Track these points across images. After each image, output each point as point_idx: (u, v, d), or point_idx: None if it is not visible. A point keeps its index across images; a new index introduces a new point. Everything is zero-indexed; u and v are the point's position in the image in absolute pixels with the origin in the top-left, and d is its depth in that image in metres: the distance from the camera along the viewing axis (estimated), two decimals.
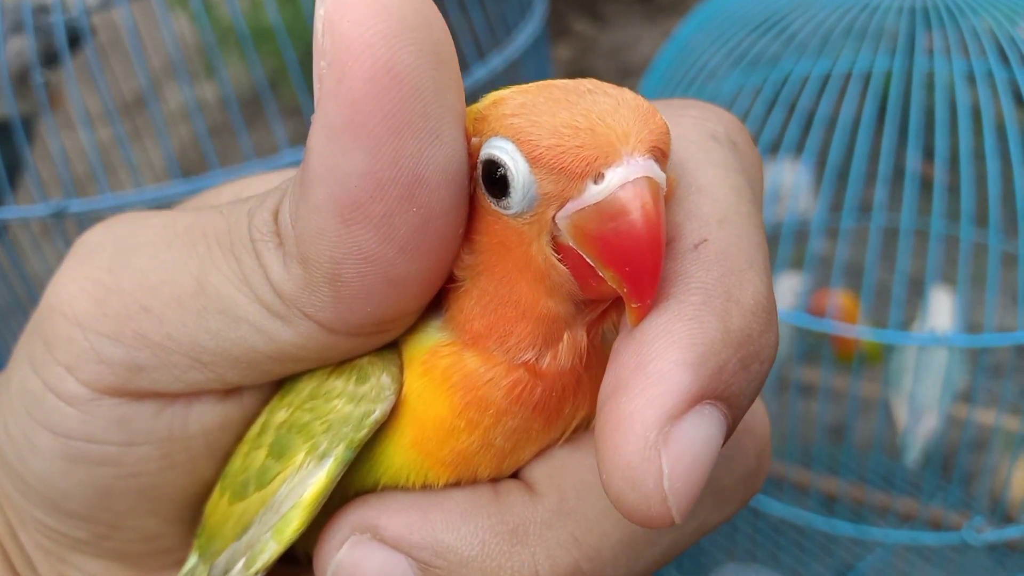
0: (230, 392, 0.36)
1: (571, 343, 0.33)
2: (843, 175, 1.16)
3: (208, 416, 0.36)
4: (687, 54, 1.23)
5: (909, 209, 1.15)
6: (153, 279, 0.34)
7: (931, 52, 1.15)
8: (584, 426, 0.35)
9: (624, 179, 0.28)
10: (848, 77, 1.16)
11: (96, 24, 1.38)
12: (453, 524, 0.33)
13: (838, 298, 1.41)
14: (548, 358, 0.33)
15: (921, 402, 1.42)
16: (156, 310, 0.33)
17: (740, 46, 1.19)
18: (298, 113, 1.10)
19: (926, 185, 1.25)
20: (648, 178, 0.29)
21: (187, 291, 0.33)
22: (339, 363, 0.35)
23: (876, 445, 1.56)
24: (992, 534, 1.18)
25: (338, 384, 0.34)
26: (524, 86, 0.32)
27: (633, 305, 0.29)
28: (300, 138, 1.05)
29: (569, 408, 0.34)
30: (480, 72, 1.14)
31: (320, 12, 0.28)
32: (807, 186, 1.56)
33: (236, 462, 0.37)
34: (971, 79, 1.12)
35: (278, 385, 0.37)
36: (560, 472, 0.35)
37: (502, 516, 0.33)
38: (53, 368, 0.35)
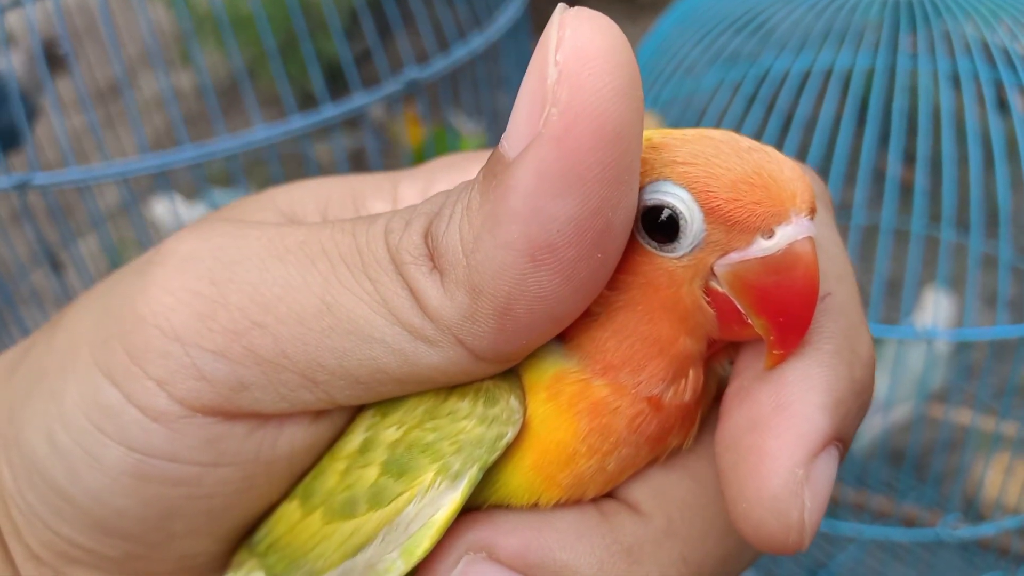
0: (323, 412, 0.35)
1: (694, 380, 0.34)
2: (823, 174, 1.16)
3: (298, 437, 0.35)
4: (665, 49, 1.23)
5: (889, 209, 1.15)
6: (266, 294, 0.33)
7: (915, 53, 1.15)
8: (674, 451, 0.37)
9: (793, 237, 0.31)
10: (829, 74, 1.16)
11: (71, 8, 1.36)
12: (569, 543, 0.34)
13: None
14: (671, 393, 0.34)
15: (893, 397, 1.42)
16: (271, 326, 0.32)
17: (718, 41, 1.19)
18: (276, 102, 1.09)
19: (906, 188, 1.25)
20: (811, 238, 0.31)
21: (309, 309, 0.32)
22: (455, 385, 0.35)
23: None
24: (966, 531, 1.18)
25: (463, 405, 0.34)
26: (680, 132, 0.33)
27: (775, 352, 0.32)
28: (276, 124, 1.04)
29: (672, 438, 0.36)
30: (460, 52, 1.15)
31: (557, 57, 0.28)
32: None
33: (330, 480, 0.36)
34: (953, 78, 1.12)
35: (360, 407, 0.36)
36: (662, 494, 0.36)
37: (616, 536, 0.35)
38: (142, 382, 0.33)
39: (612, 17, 0.29)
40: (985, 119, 1.09)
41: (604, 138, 0.28)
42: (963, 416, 1.55)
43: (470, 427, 0.34)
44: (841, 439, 0.32)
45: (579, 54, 0.28)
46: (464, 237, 0.31)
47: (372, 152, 1.15)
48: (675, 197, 0.31)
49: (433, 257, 0.32)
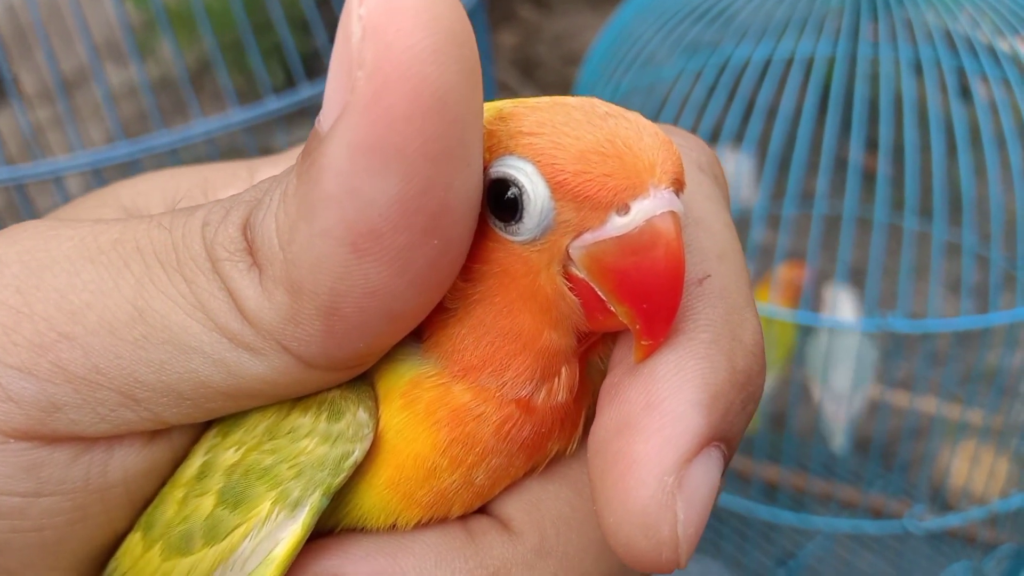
0: (158, 432, 0.32)
1: (567, 377, 0.31)
2: (785, 163, 1.15)
3: (132, 461, 0.31)
4: (626, 38, 1.21)
5: (851, 197, 1.14)
6: (75, 302, 0.29)
7: (876, 41, 1.15)
8: (556, 456, 0.34)
9: (651, 213, 0.28)
10: (790, 63, 1.15)
11: (15, 5, 1.33)
12: (427, 570, 0.31)
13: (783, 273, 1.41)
14: (543, 393, 0.31)
15: (838, 387, 1.42)
16: (80, 338, 0.29)
17: (679, 29, 1.18)
18: (244, 94, 1.06)
19: (868, 176, 1.25)
20: (673, 212, 0.28)
21: (121, 317, 0.29)
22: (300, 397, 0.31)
23: (817, 433, 1.57)
24: (933, 522, 1.18)
25: (305, 421, 0.31)
26: (533, 101, 0.30)
27: (643, 342, 0.29)
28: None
29: (551, 443, 0.33)
30: None
31: (361, 11, 0.24)
32: (749, 174, 1.56)
33: (168, 510, 0.32)
34: (915, 66, 1.12)
35: (208, 422, 0.33)
36: (536, 508, 0.33)
37: (480, 559, 0.32)
38: None
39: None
40: (948, 106, 1.09)
41: (422, 105, 0.24)
42: (928, 404, 1.55)
43: (311, 447, 0.30)
44: (723, 439, 0.28)
45: (386, 6, 0.24)
46: (280, 227, 0.27)
47: None
48: (518, 171, 0.28)
49: (252, 251, 0.28)
